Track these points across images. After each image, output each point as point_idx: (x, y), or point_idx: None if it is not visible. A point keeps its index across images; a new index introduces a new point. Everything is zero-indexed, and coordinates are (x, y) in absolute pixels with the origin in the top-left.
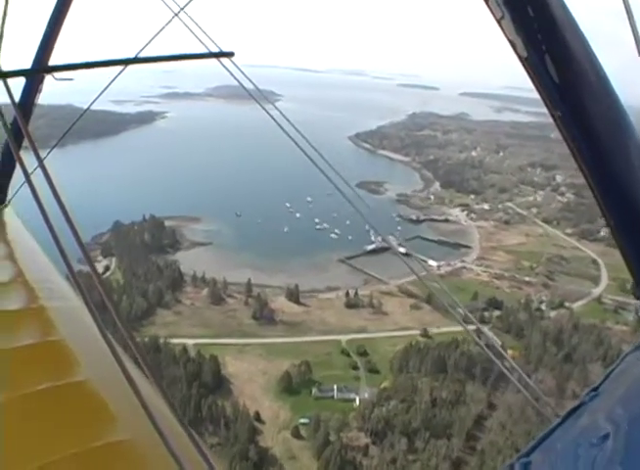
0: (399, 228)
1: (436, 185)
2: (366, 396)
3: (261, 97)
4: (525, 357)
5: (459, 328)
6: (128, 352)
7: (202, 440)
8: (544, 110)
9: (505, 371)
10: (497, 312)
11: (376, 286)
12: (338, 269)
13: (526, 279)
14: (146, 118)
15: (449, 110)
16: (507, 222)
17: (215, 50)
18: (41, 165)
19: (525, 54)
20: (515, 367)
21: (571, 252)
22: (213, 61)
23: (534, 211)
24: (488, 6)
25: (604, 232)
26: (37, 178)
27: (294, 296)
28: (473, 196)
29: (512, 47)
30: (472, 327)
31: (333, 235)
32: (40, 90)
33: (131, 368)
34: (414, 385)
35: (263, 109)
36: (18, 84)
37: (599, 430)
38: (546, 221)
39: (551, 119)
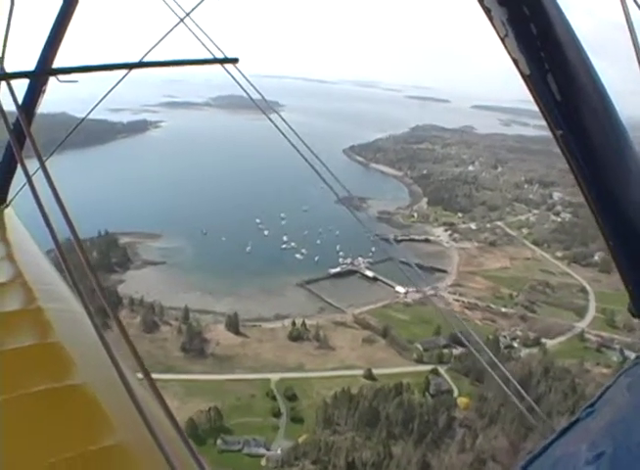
0: (373, 249)
1: (424, 202)
2: (278, 451)
3: (263, 105)
4: (478, 409)
5: (410, 369)
6: (125, 356)
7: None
8: None
9: (499, 381)
10: (460, 350)
11: (331, 315)
12: (294, 294)
13: (503, 310)
14: (138, 128)
15: (455, 123)
16: (492, 244)
17: (220, 56)
18: (42, 167)
19: (527, 72)
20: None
21: (558, 278)
22: (219, 69)
23: (525, 231)
24: (493, 24)
25: (597, 256)
26: (38, 180)
27: (233, 325)
28: (460, 214)
29: (515, 65)
30: None
31: (298, 255)
32: (44, 92)
33: (128, 372)
34: (333, 441)
35: (265, 115)
36: (21, 86)
37: (595, 447)
38: (536, 243)
39: None
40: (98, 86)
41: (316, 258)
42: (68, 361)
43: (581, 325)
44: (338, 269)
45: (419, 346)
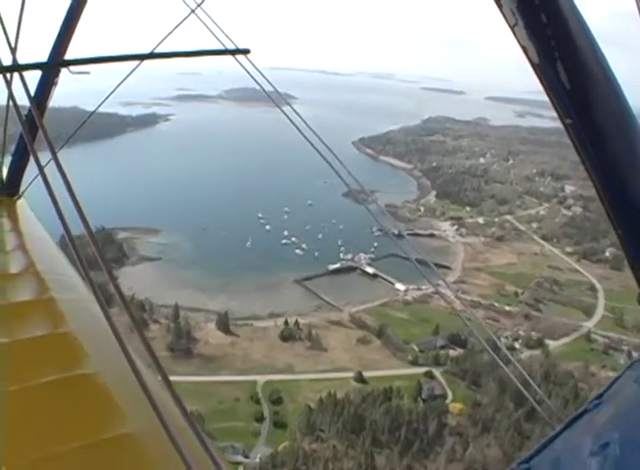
0: (376, 244)
1: (432, 195)
2: (257, 460)
3: (275, 97)
4: (472, 416)
5: (403, 371)
6: (136, 346)
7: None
8: None
9: (509, 373)
10: (458, 352)
11: (327, 313)
12: (290, 292)
13: (507, 308)
14: (147, 121)
15: (469, 114)
16: (500, 239)
17: (232, 47)
18: (55, 158)
19: (536, 60)
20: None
21: (566, 275)
22: (233, 62)
23: (534, 225)
24: (502, 12)
25: (609, 252)
26: (50, 171)
27: (223, 323)
28: (468, 208)
29: (524, 53)
30: None
31: (298, 251)
32: (56, 84)
33: (139, 361)
34: (314, 450)
35: (277, 106)
36: (34, 78)
37: (600, 438)
38: (545, 238)
39: None
40: (110, 79)
41: (316, 254)
42: (79, 351)
43: (588, 325)
44: (337, 265)
45: (415, 347)
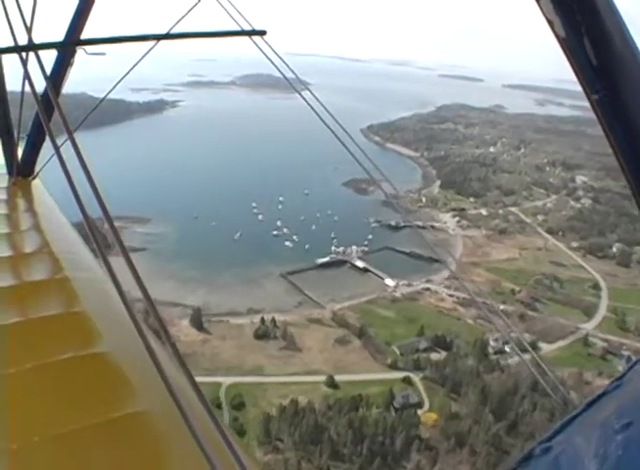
0: (370, 237)
1: (436, 185)
2: None
3: (291, 79)
4: (444, 429)
5: (380, 375)
6: (150, 326)
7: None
8: (588, 103)
9: (521, 356)
10: (442, 355)
11: (308, 310)
12: (274, 286)
13: (502, 307)
14: (155, 108)
15: (486, 102)
16: (503, 232)
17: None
18: (71, 138)
19: (563, 34)
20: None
21: (570, 271)
22: (250, 47)
23: (540, 218)
24: None
25: (616, 248)
26: (65, 152)
27: (197, 319)
28: (472, 199)
29: (550, 26)
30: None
31: (288, 243)
32: (72, 64)
33: (153, 341)
34: (266, 463)
35: (295, 89)
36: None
37: (622, 418)
38: (551, 232)
39: (591, 114)
40: (120, 65)
41: (307, 246)
42: (93, 330)
43: (587, 327)
44: (326, 259)
45: (396, 349)
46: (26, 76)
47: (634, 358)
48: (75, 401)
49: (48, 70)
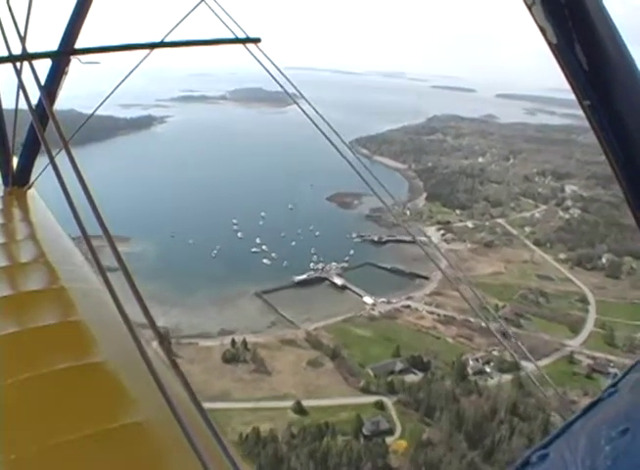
0: (352, 252)
1: (422, 197)
2: None
3: (282, 92)
4: (415, 457)
5: (351, 400)
6: (147, 335)
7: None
8: (579, 111)
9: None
10: (418, 377)
11: (282, 331)
12: (248, 306)
13: (484, 324)
14: (142, 124)
15: (477, 112)
16: (488, 245)
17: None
18: (66, 148)
19: (554, 40)
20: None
21: (556, 285)
22: (247, 61)
23: (527, 230)
24: None
25: (605, 259)
26: (61, 161)
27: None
28: (459, 211)
29: (542, 33)
30: None
31: (266, 260)
32: (66, 73)
33: (149, 350)
34: None
35: (292, 99)
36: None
37: (618, 425)
38: (538, 243)
39: (582, 122)
40: (110, 81)
41: (285, 264)
42: (90, 340)
43: (573, 343)
44: (304, 277)
45: (370, 371)
46: (21, 86)
47: (630, 363)
48: (73, 412)
49: (42, 80)
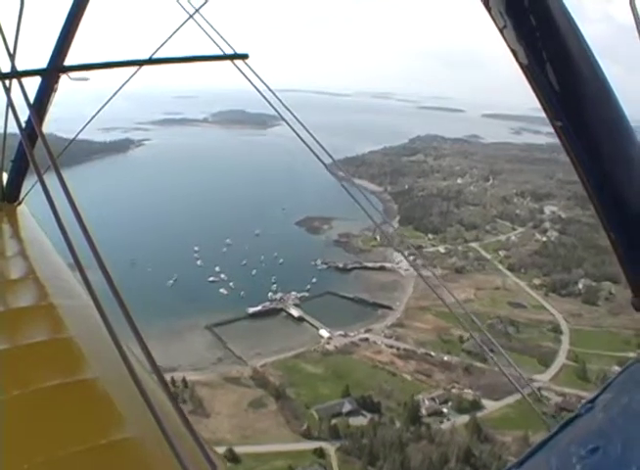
0: (314, 280)
1: (395, 221)
2: None
3: (264, 113)
4: None
5: (290, 446)
6: (135, 352)
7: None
8: None
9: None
10: (366, 419)
11: (227, 367)
12: (197, 340)
13: (445, 359)
14: (119, 147)
15: (462, 132)
16: (459, 271)
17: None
18: (54, 165)
19: (525, 62)
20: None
21: (528, 313)
22: (233, 82)
23: (502, 254)
24: (491, 15)
25: (582, 284)
26: (50, 178)
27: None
28: (431, 235)
29: (513, 56)
30: None
31: (222, 290)
32: (55, 90)
33: (138, 367)
34: None
35: (279, 115)
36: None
37: (589, 443)
38: (512, 268)
39: None
40: (92, 105)
41: (242, 293)
42: (79, 357)
43: (542, 378)
44: (258, 308)
45: (314, 413)
46: (9, 104)
47: (610, 377)
48: (63, 428)
49: (31, 97)
